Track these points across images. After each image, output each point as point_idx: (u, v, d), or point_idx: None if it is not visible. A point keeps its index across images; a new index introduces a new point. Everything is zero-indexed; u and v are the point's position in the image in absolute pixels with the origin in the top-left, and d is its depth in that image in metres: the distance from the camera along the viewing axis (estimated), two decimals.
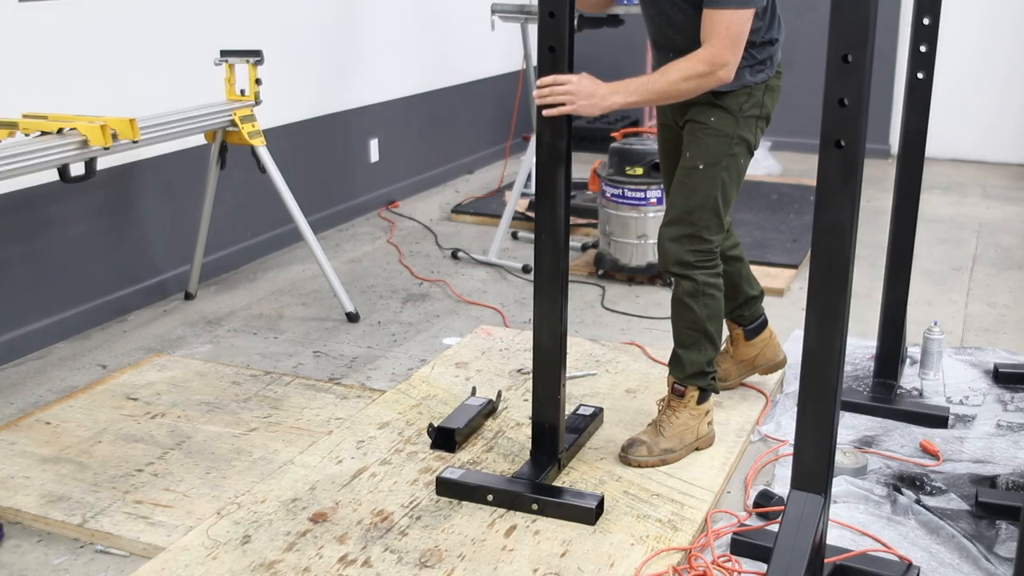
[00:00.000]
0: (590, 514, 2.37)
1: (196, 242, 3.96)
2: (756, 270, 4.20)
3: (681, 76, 2.44)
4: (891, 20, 6.34)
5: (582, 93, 2.34)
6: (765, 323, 3.06)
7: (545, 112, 2.34)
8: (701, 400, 2.70)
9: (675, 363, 2.71)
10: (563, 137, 2.36)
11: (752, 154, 2.67)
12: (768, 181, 5.97)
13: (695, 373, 2.67)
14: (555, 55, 2.29)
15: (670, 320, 2.73)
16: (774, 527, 2.13)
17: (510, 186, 5.47)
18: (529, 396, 2.95)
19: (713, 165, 2.58)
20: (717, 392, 2.76)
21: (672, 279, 2.70)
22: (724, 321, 2.74)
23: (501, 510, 2.44)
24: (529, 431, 2.63)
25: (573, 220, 4.58)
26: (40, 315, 3.55)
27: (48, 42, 3.45)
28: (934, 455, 2.73)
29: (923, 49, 2.83)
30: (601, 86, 2.39)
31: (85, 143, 3.03)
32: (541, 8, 2.25)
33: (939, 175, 6.19)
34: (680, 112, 2.68)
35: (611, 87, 2.41)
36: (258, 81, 3.69)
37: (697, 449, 2.71)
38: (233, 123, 3.65)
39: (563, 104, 2.33)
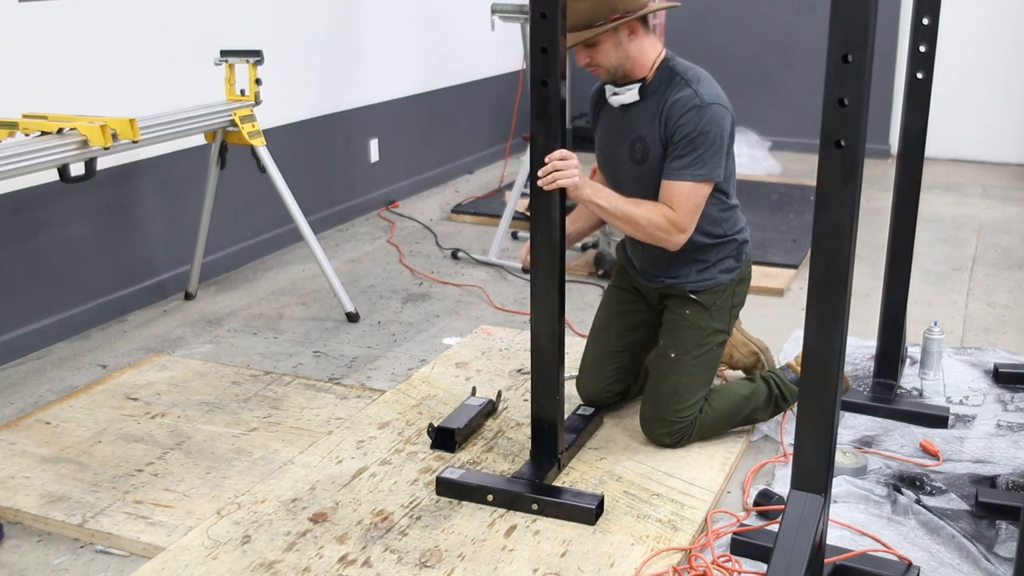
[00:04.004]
0: (590, 514, 2.37)
1: (196, 242, 3.96)
2: (756, 270, 4.21)
3: (646, 217, 2.55)
4: (891, 20, 6.34)
5: (580, 171, 2.42)
6: None
7: (549, 187, 2.37)
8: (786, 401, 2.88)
9: (751, 420, 2.83)
10: (557, 138, 2.36)
11: (729, 333, 2.81)
12: (768, 181, 5.97)
13: (763, 414, 2.82)
14: (547, 56, 2.28)
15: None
16: (774, 527, 2.13)
17: (510, 186, 5.47)
18: (529, 396, 2.95)
19: (685, 354, 2.71)
20: (793, 388, 2.83)
21: None
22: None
23: (501, 510, 2.44)
24: (529, 431, 2.62)
25: None
26: (40, 315, 3.55)
27: (48, 42, 3.45)
28: (934, 455, 2.73)
29: (923, 49, 2.83)
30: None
31: (85, 143, 3.03)
32: (533, 9, 2.24)
33: (939, 175, 6.19)
34: (657, 296, 2.81)
35: (587, 181, 2.49)
36: (258, 81, 3.69)
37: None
38: (233, 123, 3.65)
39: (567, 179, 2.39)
